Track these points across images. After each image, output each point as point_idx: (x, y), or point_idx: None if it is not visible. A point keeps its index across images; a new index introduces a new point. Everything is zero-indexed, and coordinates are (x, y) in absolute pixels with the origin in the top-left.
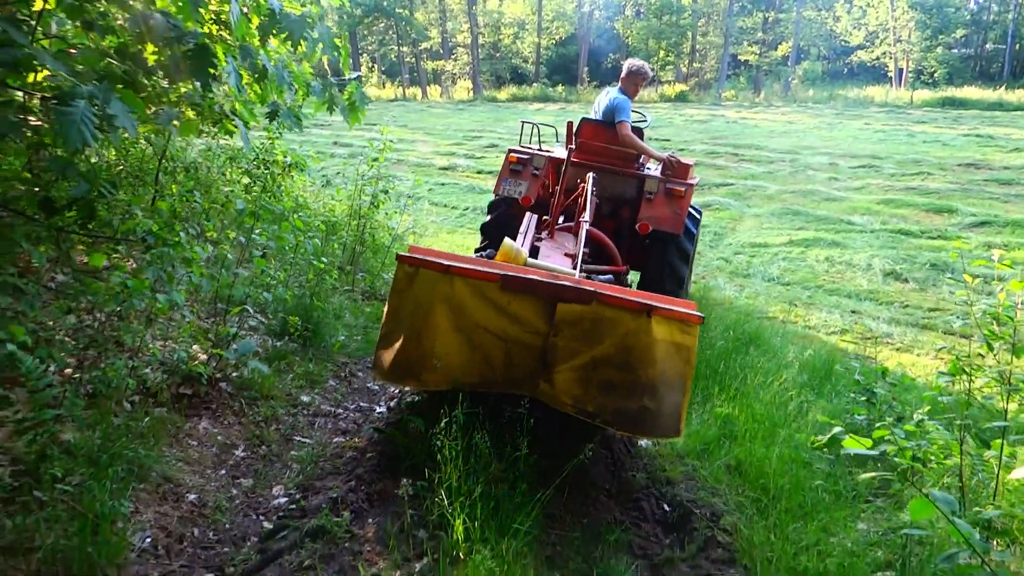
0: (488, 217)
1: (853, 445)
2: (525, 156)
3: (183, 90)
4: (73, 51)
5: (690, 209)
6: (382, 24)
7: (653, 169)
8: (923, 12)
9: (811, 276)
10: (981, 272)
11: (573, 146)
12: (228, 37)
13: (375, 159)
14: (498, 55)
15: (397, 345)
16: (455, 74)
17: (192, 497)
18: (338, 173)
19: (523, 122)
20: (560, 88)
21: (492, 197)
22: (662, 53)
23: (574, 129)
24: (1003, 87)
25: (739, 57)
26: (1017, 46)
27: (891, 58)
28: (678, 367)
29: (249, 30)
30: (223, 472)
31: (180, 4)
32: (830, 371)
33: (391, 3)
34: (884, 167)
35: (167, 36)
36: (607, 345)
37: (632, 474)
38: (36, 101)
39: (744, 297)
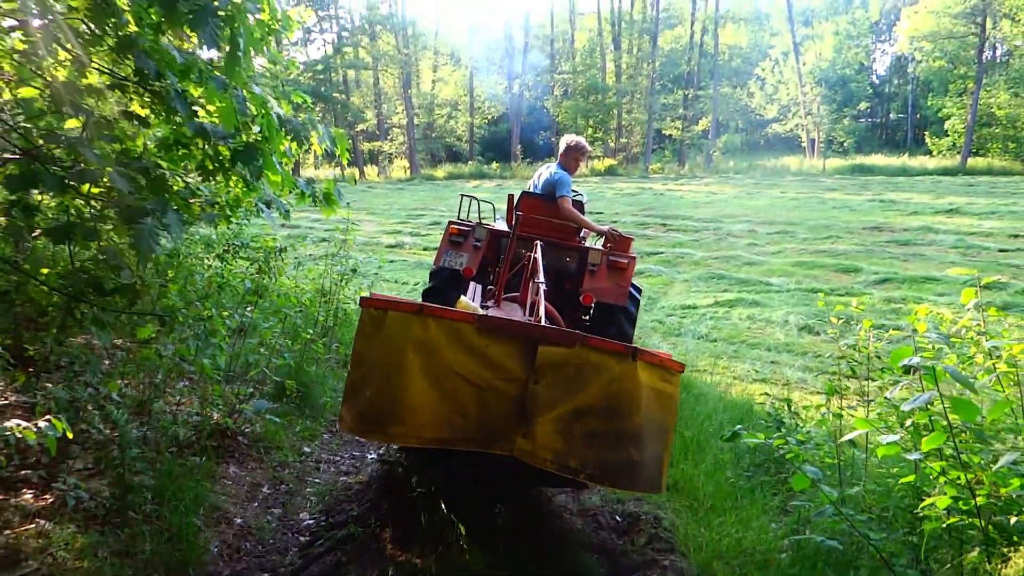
0: (430, 284)
1: (750, 437)
2: (466, 228)
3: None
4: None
5: (634, 287)
6: (319, 108)
7: (593, 243)
8: (828, 87)
9: (735, 333)
10: (868, 318)
11: (519, 214)
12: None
13: (344, 240)
14: (433, 135)
15: (365, 395)
16: (392, 154)
17: (239, 521)
18: (309, 255)
19: (462, 195)
20: (495, 165)
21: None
22: (590, 130)
23: (514, 202)
24: (906, 154)
25: (663, 132)
26: (917, 115)
27: (803, 129)
28: (660, 417)
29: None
30: (256, 504)
31: (221, 115)
32: (750, 409)
33: (328, 88)
34: (798, 232)
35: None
36: (591, 392)
37: (589, 496)
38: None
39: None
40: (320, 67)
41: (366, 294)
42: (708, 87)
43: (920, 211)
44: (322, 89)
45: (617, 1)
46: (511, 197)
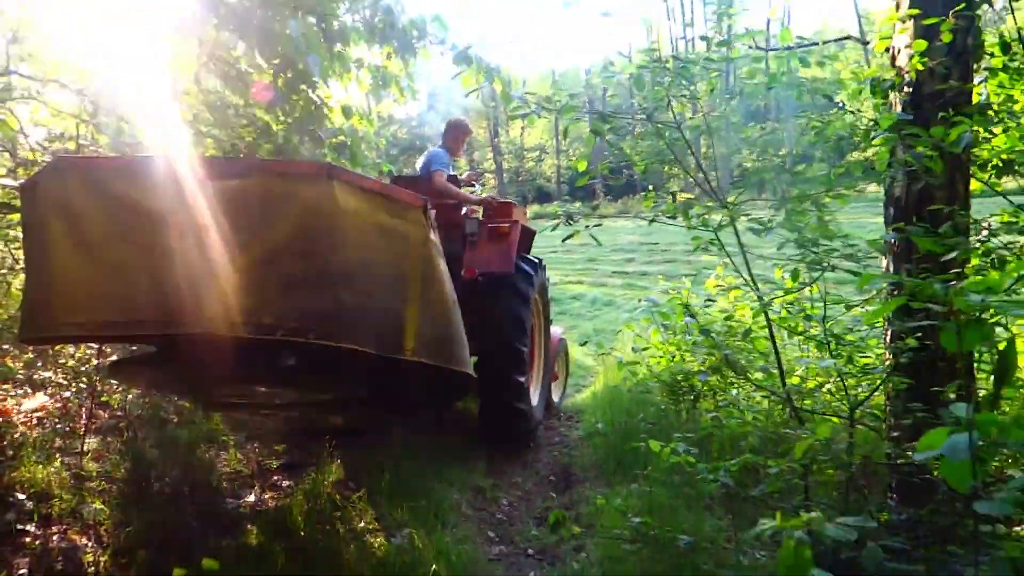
0: None
1: None
2: None
3: None
4: None
5: (528, 259)
6: (416, 158)
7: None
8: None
9: None
10: None
11: None
12: None
13: None
14: (520, 178)
15: (27, 295)
16: None
17: None
18: None
19: None
20: (577, 204)
21: None
22: (666, 168)
23: None
24: None
25: (743, 164)
26: None
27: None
28: (390, 259)
29: None
30: None
31: None
32: None
33: (422, 140)
34: None
35: None
36: (282, 228)
37: None
38: None
39: None
40: (415, 123)
41: None
42: (786, 120)
43: None
44: (417, 142)
45: (691, 43)
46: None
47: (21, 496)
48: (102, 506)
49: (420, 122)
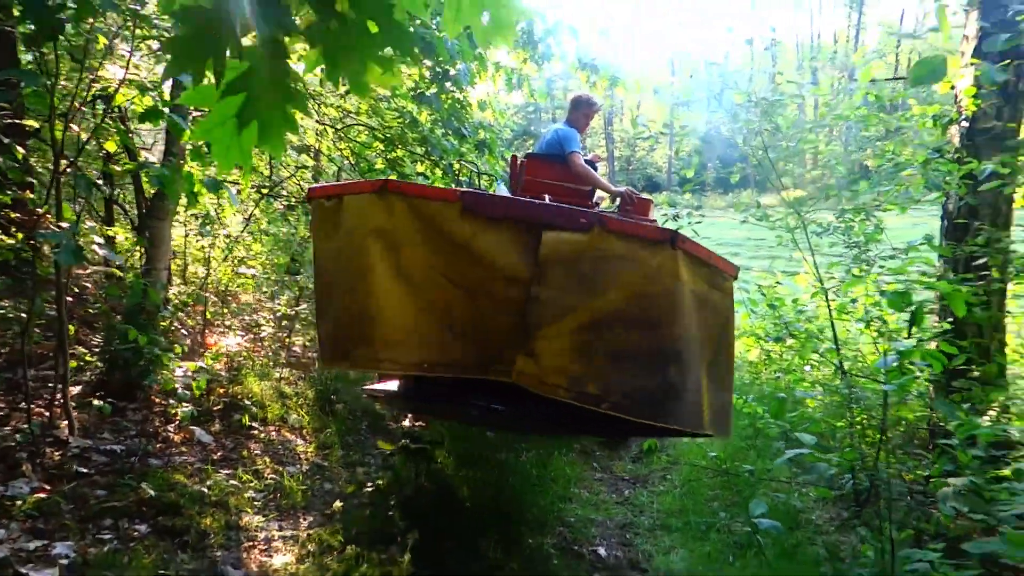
0: None
1: None
2: None
3: None
4: None
5: None
6: (530, 143)
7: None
8: None
9: None
10: None
11: (527, 179)
12: None
13: None
14: (631, 167)
15: (330, 314)
16: None
17: None
18: None
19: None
20: (687, 195)
21: None
22: (781, 163)
23: (519, 166)
24: None
25: (864, 162)
26: None
27: None
28: (706, 332)
29: None
30: None
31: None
32: None
33: (538, 126)
34: None
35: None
36: (616, 294)
37: None
38: None
39: None
40: (532, 109)
41: None
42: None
43: None
44: (531, 128)
45: (816, 37)
46: (515, 158)
47: (247, 402)
48: (303, 415)
49: (535, 108)
